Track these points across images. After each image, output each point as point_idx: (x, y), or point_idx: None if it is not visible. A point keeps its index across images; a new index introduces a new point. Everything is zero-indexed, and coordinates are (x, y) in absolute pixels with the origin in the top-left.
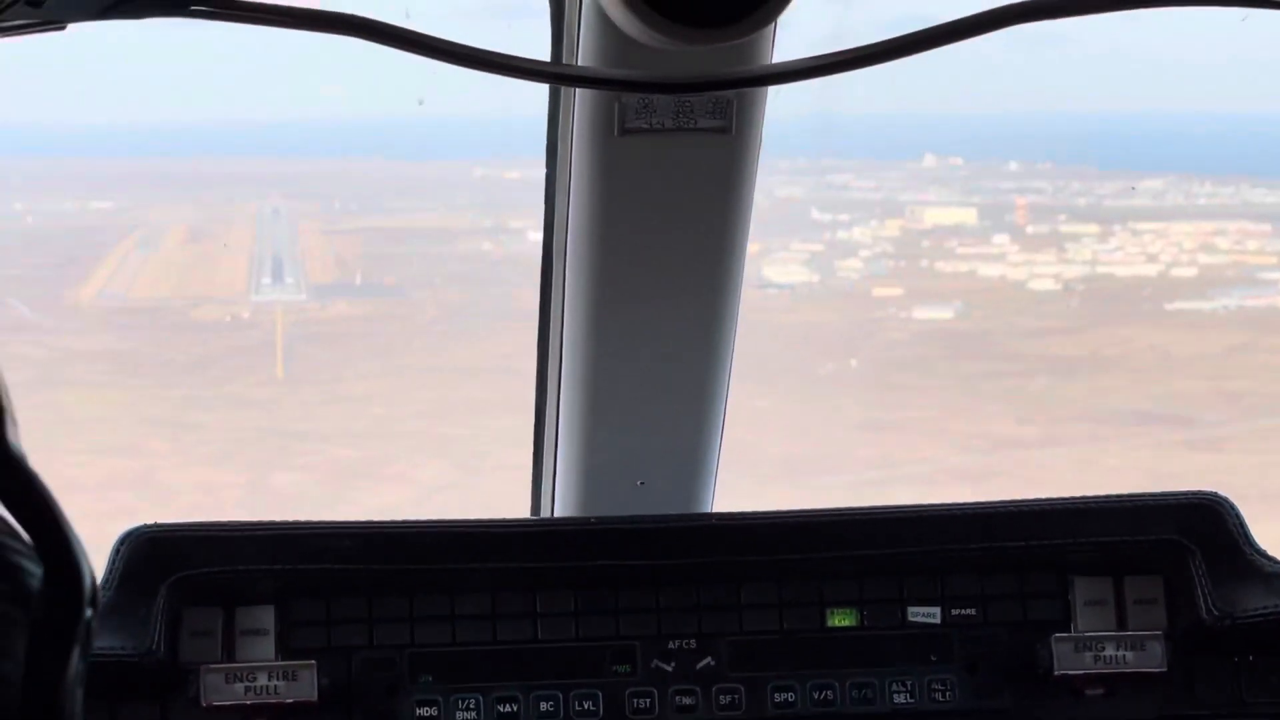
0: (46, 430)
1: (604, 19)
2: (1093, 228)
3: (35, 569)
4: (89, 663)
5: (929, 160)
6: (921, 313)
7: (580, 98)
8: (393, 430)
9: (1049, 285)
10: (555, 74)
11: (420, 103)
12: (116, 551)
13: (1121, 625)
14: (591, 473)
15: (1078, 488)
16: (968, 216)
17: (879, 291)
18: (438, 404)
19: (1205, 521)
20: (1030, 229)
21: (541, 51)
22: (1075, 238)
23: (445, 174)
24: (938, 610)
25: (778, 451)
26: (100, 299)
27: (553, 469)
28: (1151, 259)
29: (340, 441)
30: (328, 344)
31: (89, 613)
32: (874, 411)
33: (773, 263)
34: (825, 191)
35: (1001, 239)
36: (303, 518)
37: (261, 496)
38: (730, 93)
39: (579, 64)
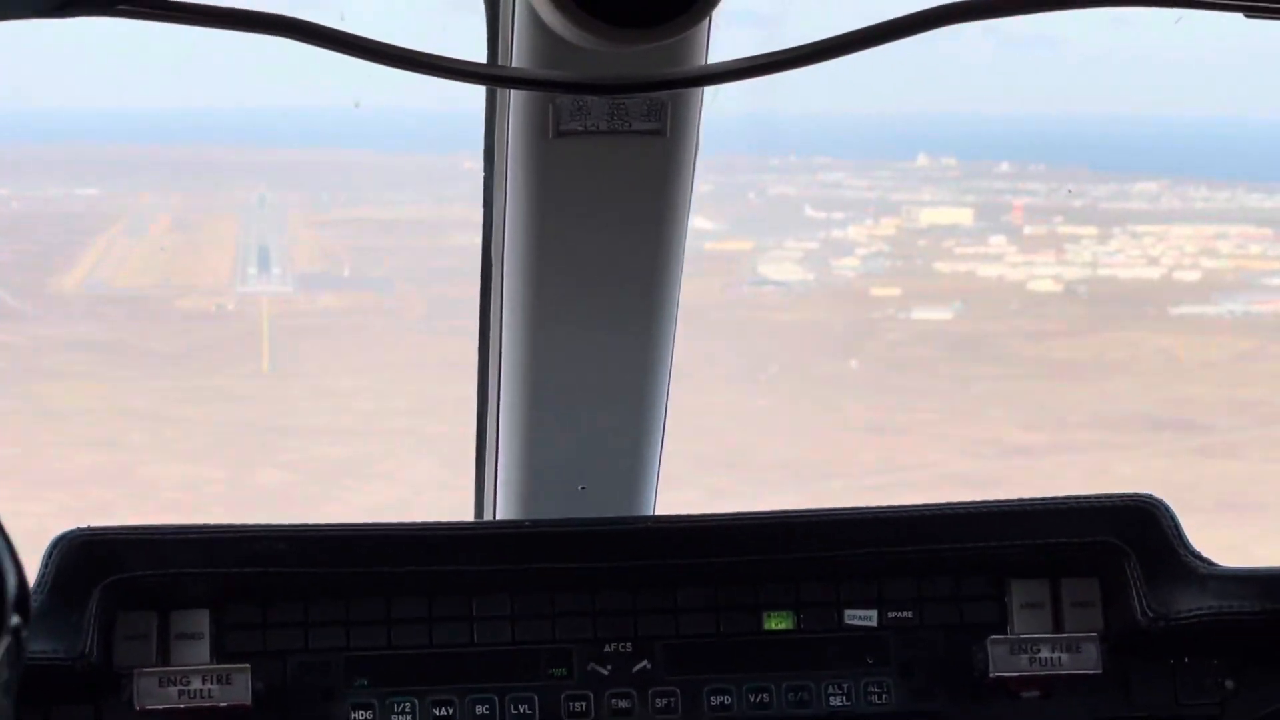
0: (24, 422)
1: (538, 20)
2: (1091, 229)
3: None
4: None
5: (922, 160)
6: (921, 313)
7: (515, 99)
8: (381, 427)
9: (1049, 286)
10: (488, 75)
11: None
12: (49, 555)
13: (1058, 628)
14: (532, 476)
15: None
16: (964, 216)
17: (877, 291)
18: (427, 400)
19: (1140, 524)
20: (1028, 230)
21: (477, 52)
22: (1074, 239)
23: (434, 166)
24: (874, 613)
25: (777, 455)
26: (84, 287)
27: (494, 472)
28: (1153, 262)
29: (326, 438)
30: (314, 337)
31: (16, 619)
32: (875, 414)
33: (768, 260)
34: (818, 190)
35: (999, 239)
36: (237, 521)
37: (244, 494)
38: (665, 95)
39: (513, 65)
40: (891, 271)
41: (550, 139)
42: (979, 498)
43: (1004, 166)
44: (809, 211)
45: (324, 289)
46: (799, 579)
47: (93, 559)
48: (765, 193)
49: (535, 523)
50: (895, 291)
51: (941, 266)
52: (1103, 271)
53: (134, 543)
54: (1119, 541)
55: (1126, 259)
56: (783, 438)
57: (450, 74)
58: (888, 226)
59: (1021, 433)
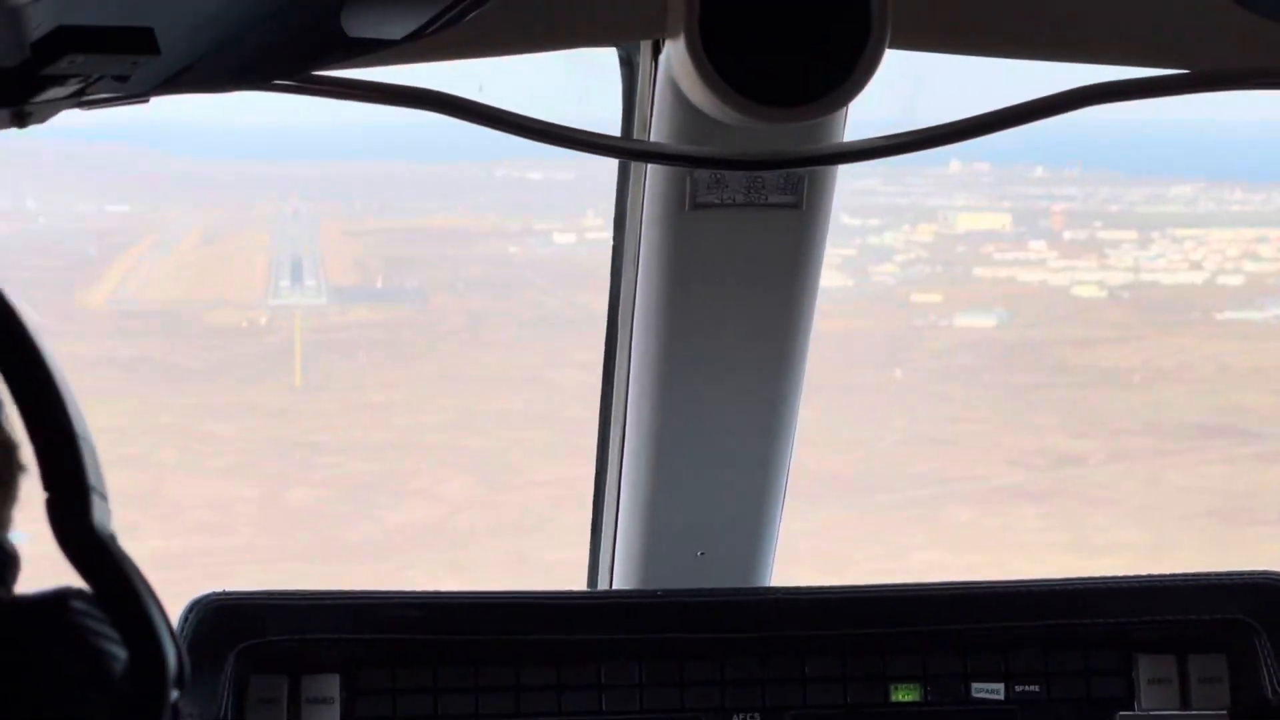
0: None
1: (677, 94)
2: (1131, 233)
3: (120, 652)
4: None
5: (954, 166)
6: (964, 320)
7: (652, 171)
8: (415, 442)
9: (1093, 292)
10: (630, 150)
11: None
12: (185, 618)
13: (1185, 704)
14: (652, 543)
15: (1145, 508)
16: (1001, 222)
17: (918, 298)
18: (462, 415)
19: (1271, 600)
20: (1067, 234)
21: (613, 123)
22: (1115, 244)
23: (467, 173)
24: (1001, 686)
25: (825, 466)
26: (111, 303)
27: (612, 538)
28: (1195, 266)
29: (360, 454)
30: (347, 351)
31: (174, 694)
32: (922, 424)
33: None
34: (852, 197)
35: (1039, 245)
36: (369, 587)
37: (275, 514)
38: (802, 170)
39: (651, 138)
40: (931, 278)
41: (686, 211)
42: (1034, 509)
43: (1039, 171)
44: (845, 219)
45: (358, 301)
46: (926, 651)
47: (228, 623)
48: None
49: (666, 592)
50: (936, 298)
51: (982, 272)
52: (1145, 276)
53: (269, 607)
54: (1248, 618)
55: (1168, 263)
56: (827, 449)
57: (595, 149)
58: (925, 232)
59: (1072, 441)
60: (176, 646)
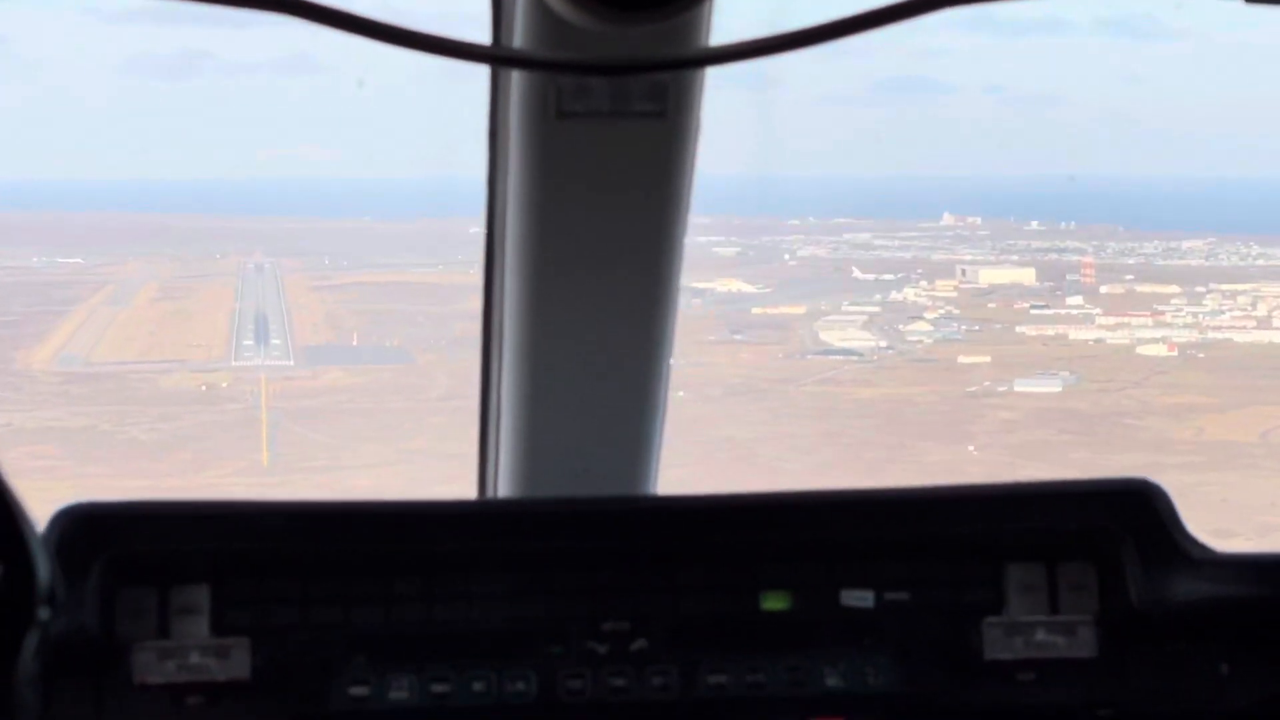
0: None
1: (540, 2)
2: (1172, 288)
3: None
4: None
5: (948, 219)
6: (1025, 385)
7: (518, 81)
8: None
9: (1161, 351)
10: (491, 55)
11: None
12: (50, 528)
13: (1054, 611)
14: (534, 456)
15: None
16: (1026, 276)
17: (964, 359)
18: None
19: (1137, 508)
20: (1104, 289)
21: (480, 37)
22: (1161, 299)
23: (436, 229)
24: (871, 594)
25: None
26: (56, 363)
27: (496, 452)
28: (1263, 323)
29: None
30: (321, 421)
31: (44, 612)
32: None
33: (829, 326)
34: (850, 251)
35: (1075, 300)
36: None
37: None
38: (666, 77)
39: (515, 46)
40: (970, 336)
41: (553, 120)
42: None
43: (1034, 225)
44: (857, 274)
45: (331, 362)
46: (796, 559)
47: (94, 532)
48: (796, 254)
49: (534, 501)
50: (984, 359)
51: (1027, 330)
52: (1212, 335)
53: (135, 517)
54: (1116, 525)
55: (1232, 319)
56: None
57: (455, 53)
58: (945, 287)
59: (1213, 540)
60: (49, 563)
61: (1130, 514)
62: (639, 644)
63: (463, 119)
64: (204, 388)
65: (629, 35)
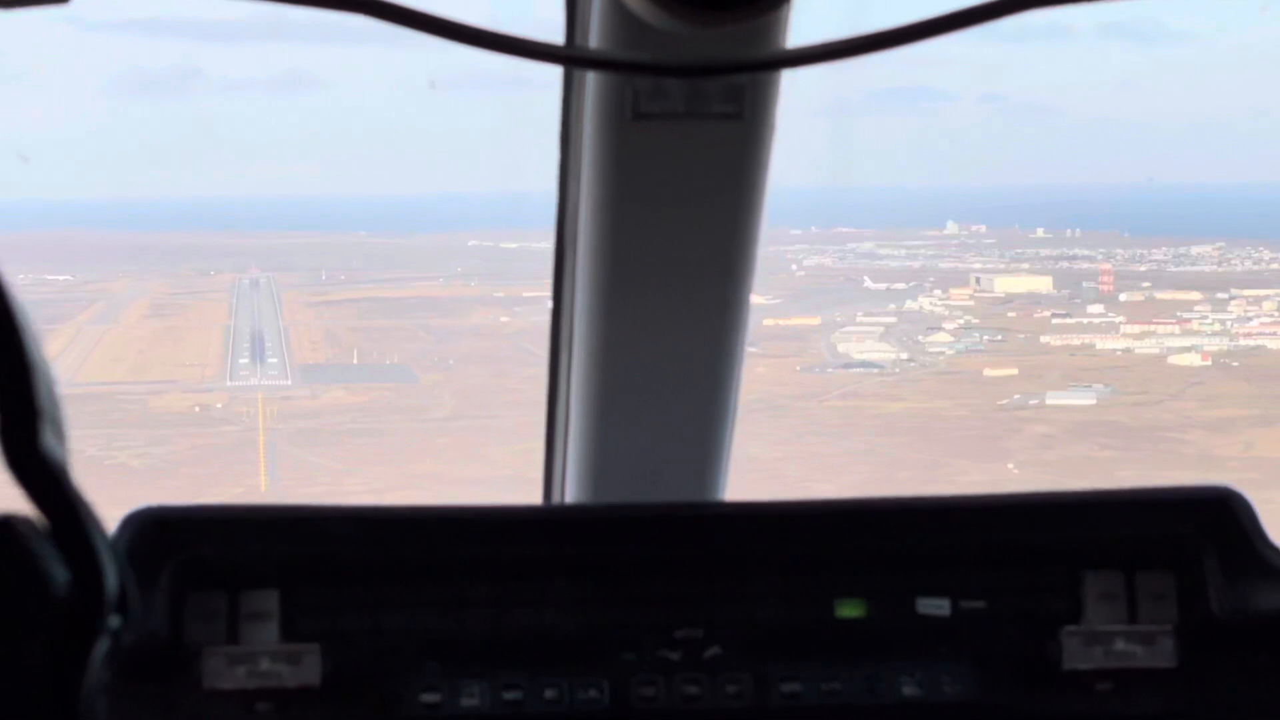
0: None
1: (617, 3)
2: (1194, 295)
3: (62, 574)
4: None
5: (952, 227)
6: (1057, 398)
7: (593, 82)
8: None
9: (1194, 360)
10: (567, 56)
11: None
12: (120, 532)
13: (1132, 620)
14: (603, 460)
15: None
16: (1043, 284)
17: (991, 372)
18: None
19: (1219, 516)
20: (1124, 296)
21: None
22: (1184, 306)
23: (434, 244)
24: (947, 602)
25: None
26: None
27: (563, 456)
28: None
29: None
30: (322, 443)
31: (115, 620)
32: None
33: (846, 337)
34: (855, 260)
35: (1096, 308)
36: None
37: None
38: (743, 79)
39: (591, 47)
40: (993, 347)
41: (629, 122)
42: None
43: (1039, 232)
44: (868, 283)
45: (331, 381)
46: (871, 567)
47: (163, 537)
48: (802, 264)
49: (606, 507)
50: (1011, 371)
51: (1051, 340)
52: (1244, 342)
53: (204, 521)
54: (1197, 534)
55: (1262, 326)
56: None
57: (531, 54)
58: (959, 296)
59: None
60: (120, 571)
61: (1212, 522)
62: (712, 651)
63: (459, 135)
64: (197, 409)
65: (703, 36)
